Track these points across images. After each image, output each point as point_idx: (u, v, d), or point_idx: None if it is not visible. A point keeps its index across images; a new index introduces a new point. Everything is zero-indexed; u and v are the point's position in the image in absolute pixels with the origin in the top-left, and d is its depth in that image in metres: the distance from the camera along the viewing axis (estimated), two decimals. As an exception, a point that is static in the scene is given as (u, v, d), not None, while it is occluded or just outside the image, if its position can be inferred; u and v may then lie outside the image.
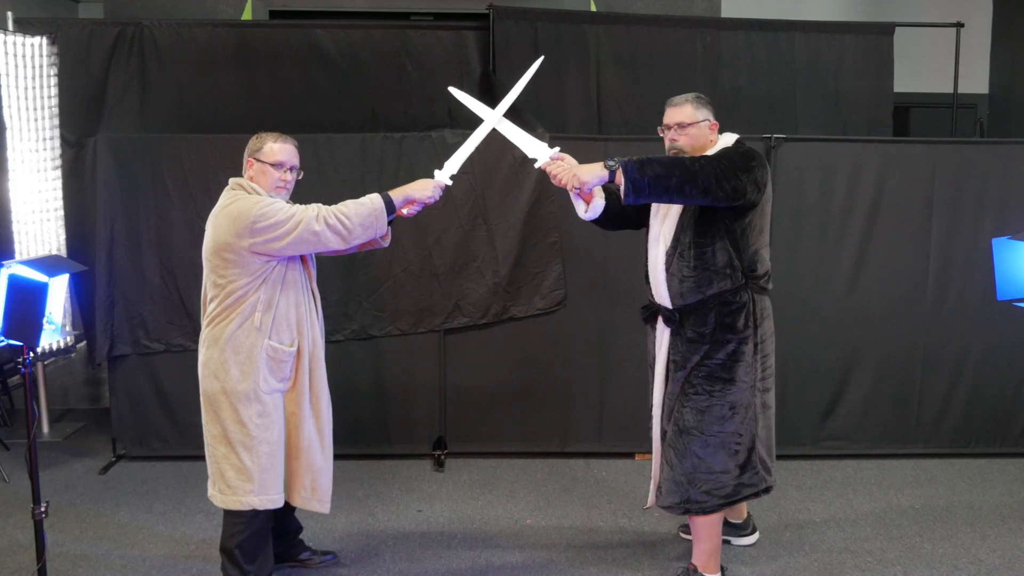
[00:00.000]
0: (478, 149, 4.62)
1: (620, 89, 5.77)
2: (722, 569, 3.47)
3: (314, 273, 3.30)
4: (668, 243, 3.25)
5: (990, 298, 3.90)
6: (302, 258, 3.22)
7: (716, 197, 3.03)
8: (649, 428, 3.51)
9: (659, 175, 2.98)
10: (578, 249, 4.70)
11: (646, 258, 3.40)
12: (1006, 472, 4.70)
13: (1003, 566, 3.69)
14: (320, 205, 3.13)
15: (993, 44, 7.83)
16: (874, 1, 7.68)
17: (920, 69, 7.01)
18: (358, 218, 3.12)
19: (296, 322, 3.18)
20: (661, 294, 3.30)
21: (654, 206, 3.36)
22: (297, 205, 3.15)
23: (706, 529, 3.38)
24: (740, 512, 3.78)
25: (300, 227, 3.04)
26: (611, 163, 3.07)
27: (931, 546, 3.87)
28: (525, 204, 4.66)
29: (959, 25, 6.27)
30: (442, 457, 4.80)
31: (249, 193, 3.13)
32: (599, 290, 4.75)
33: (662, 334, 3.35)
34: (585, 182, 3.15)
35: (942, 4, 7.14)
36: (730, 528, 3.75)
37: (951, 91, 6.43)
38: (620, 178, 3.02)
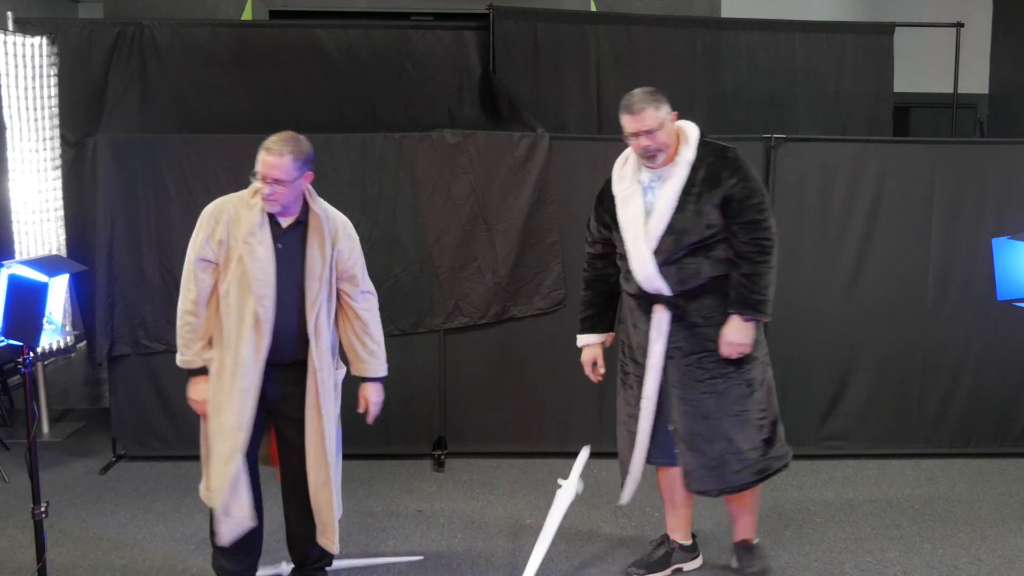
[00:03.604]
0: (479, 149, 4.66)
1: (620, 89, 5.71)
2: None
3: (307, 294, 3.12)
4: (655, 244, 3.19)
5: (990, 298, 3.90)
6: (242, 287, 3.08)
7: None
8: (621, 423, 3.46)
9: (768, 289, 3.20)
10: (578, 249, 4.66)
11: (622, 248, 3.32)
12: (1006, 472, 4.70)
13: (1003, 566, 3.69)
14: (186, 307, 3.16)
15: (993, 44, 7.82)
16: (874, 1, 7.68)
17: (920, 69, 7.01)
18: (181, 341, 3.18)
19: (223, 335, 3.11)
20: (655, 286, 3.23)
21: (620, 204, 3.31)
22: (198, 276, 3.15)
23: (750, 502, 3.47)
24: (688, 533, 3.66)
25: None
26: (748, 317, 3.20)
27: (931, 546, 3.87)
28: (525, 204, 4.66)
29: (959, 25, 6.27)
30: (442, 457, 4.80)
31: (245, 199, 3.13)
32: (599, 290, 4.74)
33: (660, 322, 3.26)
34: (749, 343, 3.25)
35: (942, 4, 7.14)
36: (684, 553, 3.64)
37: (951, 91, 6.43)
38: (763, 318, 3.24)
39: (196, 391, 3.18)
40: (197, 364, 3.15)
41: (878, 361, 4.80)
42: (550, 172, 4.65)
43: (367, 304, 3.30)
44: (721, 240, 3.20)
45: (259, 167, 3.01)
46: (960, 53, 6.30)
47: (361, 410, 3.38)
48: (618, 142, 4.74)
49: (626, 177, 3.33)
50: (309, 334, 3.11)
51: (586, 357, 3.55)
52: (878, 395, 4.83)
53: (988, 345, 4.78)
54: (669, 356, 3.28)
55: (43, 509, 3.17)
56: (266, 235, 3.07)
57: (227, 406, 3.10)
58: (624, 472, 3.50)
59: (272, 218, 3.09)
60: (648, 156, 3.21)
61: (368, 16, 6.87)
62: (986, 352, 4.79)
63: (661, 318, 3.26)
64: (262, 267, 3.04)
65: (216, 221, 3.07)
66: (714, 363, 3.24)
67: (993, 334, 4.74)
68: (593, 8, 6.46)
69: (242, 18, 6.43)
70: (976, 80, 7.67)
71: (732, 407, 3.25)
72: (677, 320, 3.24)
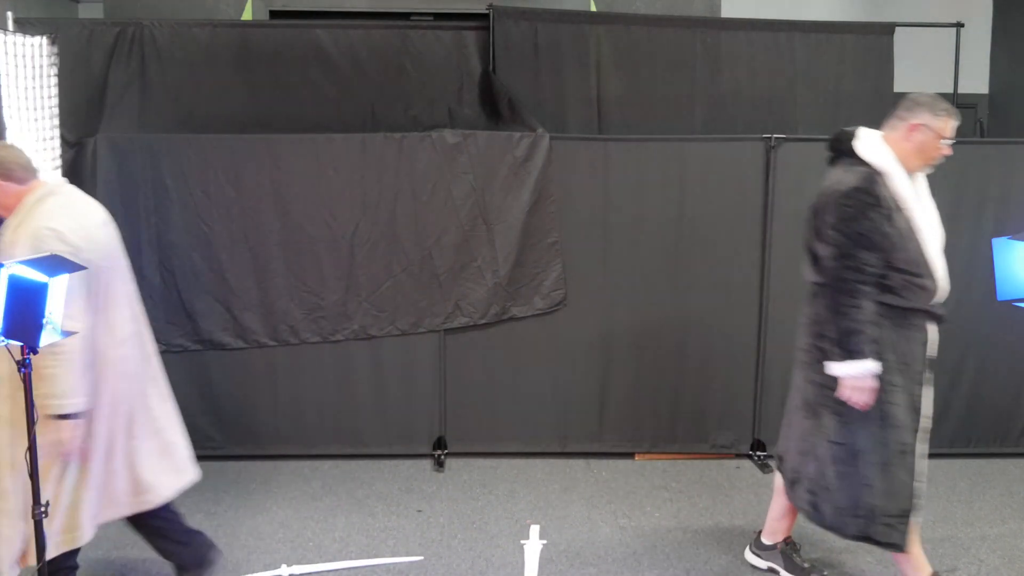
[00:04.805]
0: (479, 149, 4.65)
1: (620, 89, 5.76)
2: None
3: None
4: (941, 239, 3.32)
5: (990, 298, 3.90)
6: None
7: None
8: (891, 463, 3.23)
9: None
10: (578, 249, 4.70)
11: (907, 257, 3.24)
12: (1006, 472, 4.70)
13: (1003, 566, 3.69)
14: None
15: (993, 44, 7.82)
16: (874, 1, 7.68)
17: (920, 69, 7.01)
18: None
19: None
20: (945, 290, 3.32)
21: (913, 209, 3.29)
22: None
23: None
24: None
25: None
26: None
27: (931, 546, 3.86)
28: (525, 204, 4.66)
29: (959, 25, 6.27)
30: (442, 457, 4.80)
31: None
32: (599, 290, 4.75)
33: (937, 334, 3.39)
34: None
35: (942, 4, 7.13)
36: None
37: (951, 91, 6.42)
38: None
39: None
40: None
41: (878, 361, 4.79)
42: (550, 172, 4.65)
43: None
44: None
45: None
46: (960, 53, 6.30)
47: None
48: (618, 142, 4.79)
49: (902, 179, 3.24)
50: None
51: (874, 384, 3.18)
52: (878, 395, 4.82)
53: (988, 345, 4.77)
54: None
55: (43, 509, 3.17)
56: None
57: None
58: (903, 509, 3.20)
59: None
60: (933, 164, 3.29)
61: (368, 16, 6.86)
62: (986, 352, 4.79)
63: (937, 329, 3.36)
64: None
65: None
66: None
67: (993, 334, 4.74)
68: (593, 8, 6.46)
69: (242, 18, 6.43)
70: (976, 80, 7.67)
71: None
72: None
